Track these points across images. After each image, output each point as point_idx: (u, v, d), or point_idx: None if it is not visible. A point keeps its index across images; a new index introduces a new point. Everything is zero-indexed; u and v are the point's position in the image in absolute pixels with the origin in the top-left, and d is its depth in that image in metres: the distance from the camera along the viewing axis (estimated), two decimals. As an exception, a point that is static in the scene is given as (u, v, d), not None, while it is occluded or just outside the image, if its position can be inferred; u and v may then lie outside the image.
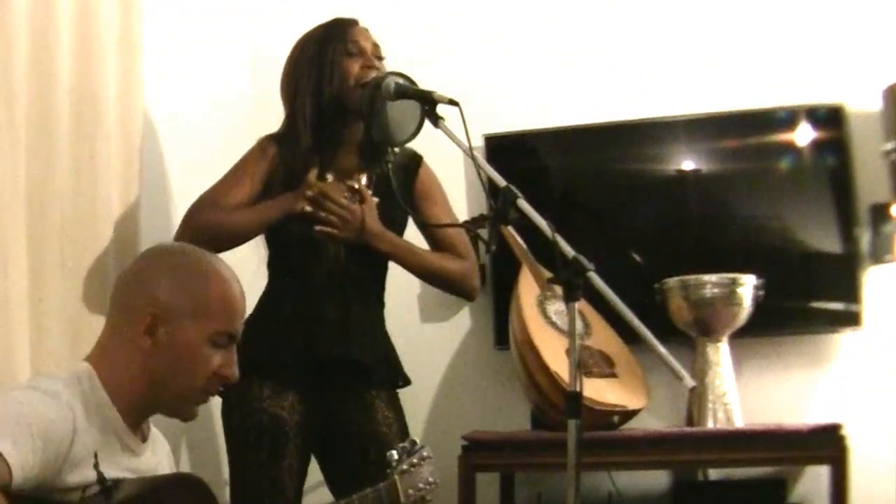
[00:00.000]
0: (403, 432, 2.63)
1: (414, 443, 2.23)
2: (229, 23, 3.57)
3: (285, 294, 2.65)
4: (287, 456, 2.55)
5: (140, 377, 1.83)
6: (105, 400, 1.81)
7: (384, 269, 2.75)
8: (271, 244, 2.72)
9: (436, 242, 2.75)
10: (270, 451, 2.54)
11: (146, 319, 1.83)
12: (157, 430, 2.00)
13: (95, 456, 1.74)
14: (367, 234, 2.60)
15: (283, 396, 2.58)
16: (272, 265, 2.73)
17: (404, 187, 2.68)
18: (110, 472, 1.77)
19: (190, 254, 1.97)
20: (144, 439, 1.92)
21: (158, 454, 1.98)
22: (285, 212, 2.59)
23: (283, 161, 2.65)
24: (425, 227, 2.74)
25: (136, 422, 1.88)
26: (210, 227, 2.55)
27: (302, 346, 2.59)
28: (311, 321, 2.60)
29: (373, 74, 2.58)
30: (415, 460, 2.19)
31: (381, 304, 2.76)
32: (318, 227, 2.56)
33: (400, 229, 2.72)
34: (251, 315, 2.68)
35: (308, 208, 2.56)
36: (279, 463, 2.54)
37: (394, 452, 2.18)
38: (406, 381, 2.74)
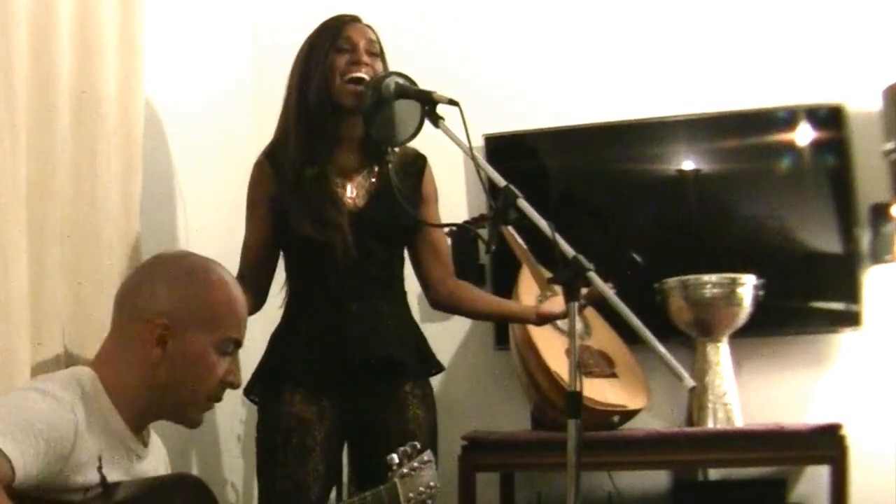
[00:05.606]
0: (433, 431, 2.64)
1: (416, 446, 2.22)
2: (229, 22, 3.56)
3: (306, 300, 2.64)
4: (312, 460, 2.55)
5: (148, 386, 1.85)
6: (108, 405, 1.82)
7: (401, 264, 2.74)
8: (284, 250, 2.70)
9: (426, 243, 2.74)
10: (296, 454, 2.54)
11: (156, 332, 1.85)
12: (157, 435, 2.01)
13: (99, 459, 1.75)
14: None
15: (313, 402, 2.57)
16: (289, 270, 2.71)
17: (412, 187, 2.69)
18: (114, 476, 1.77)
19: (192, 262, 1.98)
20: (146, 444, 1.93)
21: (158, 460, 1.98)
22: None
23: (279, 172, 2.63)
24: (419, 226, 2.73)
25: (138, 427, 1.89)
26: None
27: (331, 350, 2.58)
28: (336, 323, 2.59)
29: (361, 70, 2.57)
30: (416, 464, 2.18)
31: (404, 297, 2.75)
32: None
33: (410, 229, 2.69)
34: (278, 326, 2.69)
35: None
36: (304, 466, 2.54)
37: (394, 456, 2.17)
38: (439, 368, 2.74)
